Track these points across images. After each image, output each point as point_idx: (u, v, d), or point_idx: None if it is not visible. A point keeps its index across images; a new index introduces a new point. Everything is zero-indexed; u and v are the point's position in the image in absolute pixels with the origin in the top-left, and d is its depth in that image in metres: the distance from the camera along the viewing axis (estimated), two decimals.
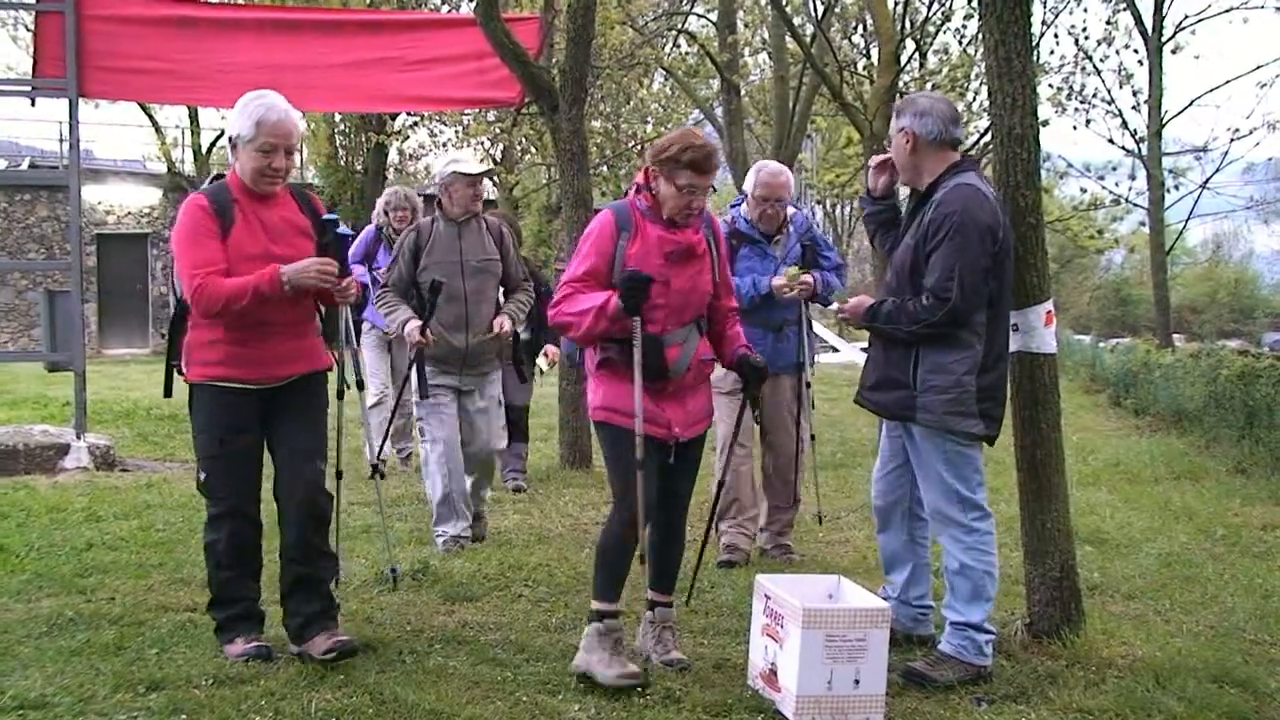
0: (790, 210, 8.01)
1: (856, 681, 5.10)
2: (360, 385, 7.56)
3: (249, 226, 5.51)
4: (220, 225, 5.45)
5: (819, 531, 8.64)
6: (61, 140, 29.14)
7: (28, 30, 28.03)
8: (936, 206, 5.59)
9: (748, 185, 7.95)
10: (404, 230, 8.40)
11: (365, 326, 10.73)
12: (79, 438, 10.81)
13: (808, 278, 7.68)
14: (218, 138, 34.20)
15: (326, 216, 5.74)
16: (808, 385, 8.09)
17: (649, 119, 31.89)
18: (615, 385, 5.50)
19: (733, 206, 8.17)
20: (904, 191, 6.30)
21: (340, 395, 6.31)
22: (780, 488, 8.05)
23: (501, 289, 8.31)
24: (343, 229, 5.73)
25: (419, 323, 7.70)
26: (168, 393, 6.01)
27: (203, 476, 5.62)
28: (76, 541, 7.77)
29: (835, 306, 6.57)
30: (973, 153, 23.91)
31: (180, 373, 5.73)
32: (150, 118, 31.83)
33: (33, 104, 12.57)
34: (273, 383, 5.63)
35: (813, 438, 8.38)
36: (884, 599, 5.72)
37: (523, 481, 10.57)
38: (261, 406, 5.63)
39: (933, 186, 5.72)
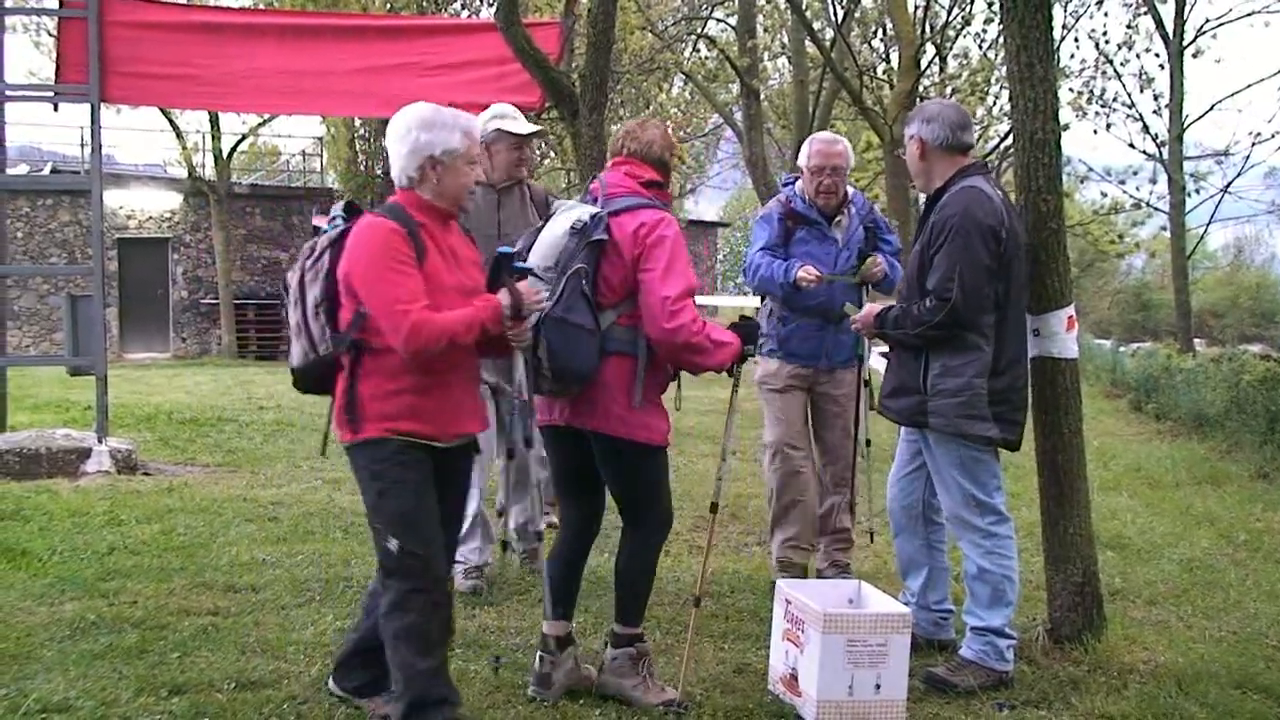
0: (849, 189, 7.28)
1: (878, 687, 5.09)
2: (529, 443, 6.17)
3: (440, 255, 4.71)
4: (415, 254, 4.60)
5: None
6: (83, 145, 29.27)
7: (50, 36, 28.16)
8: (940, 210, 5.62)
9: (801, 160, 7.25)
10: None
11: None
12: (101, 442, 10.84)
13: (880, 261, 6.95)
14: (239, 142, 34.32)
15: (502, 250, 4.94)
16: (866, 383, 7.31)
17: (668, 123, 31.91)
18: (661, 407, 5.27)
19: (785, 185, 7.44)
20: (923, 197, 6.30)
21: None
22: (836, 497, 7.33)
23: None
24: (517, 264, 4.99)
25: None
26: (324, 451, 6.26)
27: (393, 545, 4.56)
28: (98, 545, 7.80)
29: (849, 320, 6.33)
30: (993, 157, 23.98)
31: (351, 426, 4.64)
32: (171, 123, 31.94)
33: (55, 109, 12.65)
34: (450, 441, 4.76)
35: (869, 443, 7.41)
36: (905, 604, 5.72)
37: (554, 514, 8.12)
38: (432, 468, 4.73)
39: (940, 191, 5.73)
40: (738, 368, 5.33)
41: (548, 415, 5.30)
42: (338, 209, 4.89)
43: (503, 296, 4.74)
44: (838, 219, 7.15)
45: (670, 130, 5.94)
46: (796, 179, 7.33)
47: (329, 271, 4.67)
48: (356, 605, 6.47)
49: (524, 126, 7.00)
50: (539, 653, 5.31)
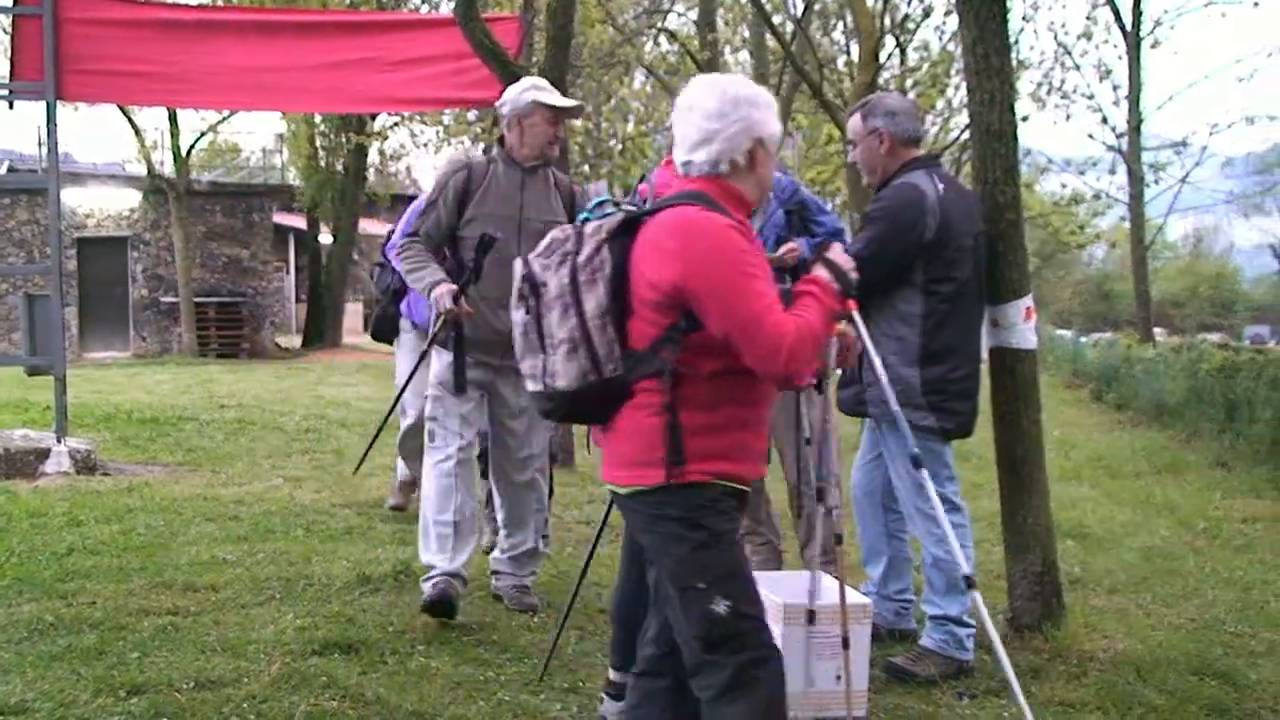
0: (780, 175, 6.68)
1: (839, 677, 5.10)
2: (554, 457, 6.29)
3: None
4: None
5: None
6: (40, 143, 29.10)
7: (5, 33, 27.97)
8: (877, 202, 5.73)
9: None
10: (444, 167, 6.53)
11: (404, 325, 8.66)
12: (59, 442, 10.77)
13: (796, 246, 6.39)
14: (198, 139, 34.18)
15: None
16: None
17: (630, 117, 31.90)
18: None
19: None
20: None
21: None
22: (811, 506, 6.67)
23: None
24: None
25: (453, 287, 6.07)
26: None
27: (723, 608, 3.70)
28: (57, 546, 7.74)
29: None
30: (954, 149, 24.07)
31: (670, 467, 3.72)
32: (130, 120, 31.72)
33: (10, 107, 12.51)
34: (748, 486, 3.99)
35: (809, 441, 6.74)
36: (866, 594, 5.73)
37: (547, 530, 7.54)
38: None
39: (885, 183, 5.79)
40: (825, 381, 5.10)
41: None
42: (602, 194, 4.34)
43: (821, 270, 3.95)
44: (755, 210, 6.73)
45: None
46: None
47: (615, 272, 3.78)
48: (317, 603, 6.47)
49: (563, 100, 6.38)
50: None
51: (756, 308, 3.61)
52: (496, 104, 6.34)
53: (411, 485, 8.85)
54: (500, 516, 6.79)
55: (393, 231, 8.81)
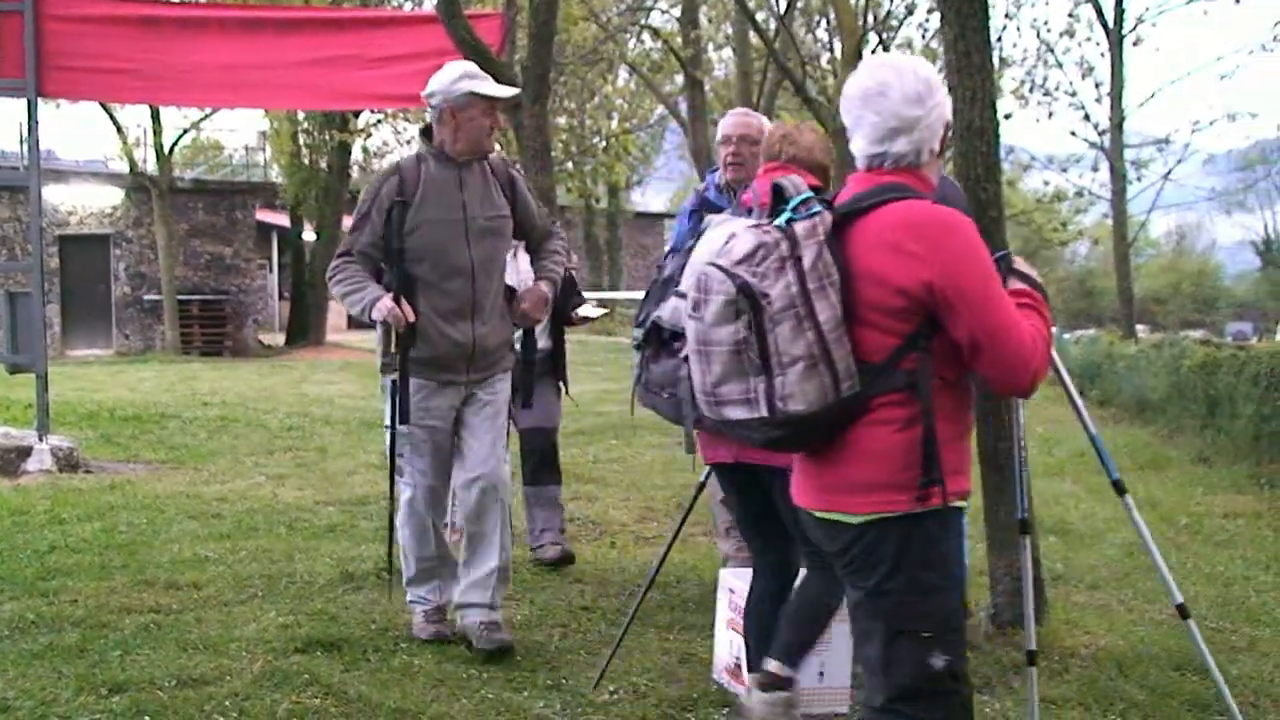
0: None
1: (821, 674, 5.11)
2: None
3: None
4: None
5: None
6: (22, 141, 28.97)
7: None
8: None
9: (717, 137, 6.44)
10: (374, 177, 6.00)
11: None
12: (41, 440, 10.74)
13: None
14: (180, 137, 34.11)
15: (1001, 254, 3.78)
16: None
17: (614, 114, 31.91)
18: None
19: (709, 172, 6.50)
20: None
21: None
22: None
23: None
24: None
25: (388, 295, 5.50)
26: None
27: (940, 663, 3.36)
28: (39, 544, 7.72)
29: None
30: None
31: (923, 489, 3.31)
32: (112, 118, 31.63)
33: None
34: None
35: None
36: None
37: (565, 543, 7.61)
38: None
39: None
40: None
41: (714, 453, 4.73)
42: (799, 183, 3.54)
43: (1019, 283, 3.64)
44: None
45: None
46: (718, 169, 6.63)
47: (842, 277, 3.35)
48: (300, 601, 6.46)
49: (500, 88, 5.76)
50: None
51: (1006, 314, 3.32)
52: (423, 93, 5.68)
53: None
54: (462, 529, 6.06)
55: None
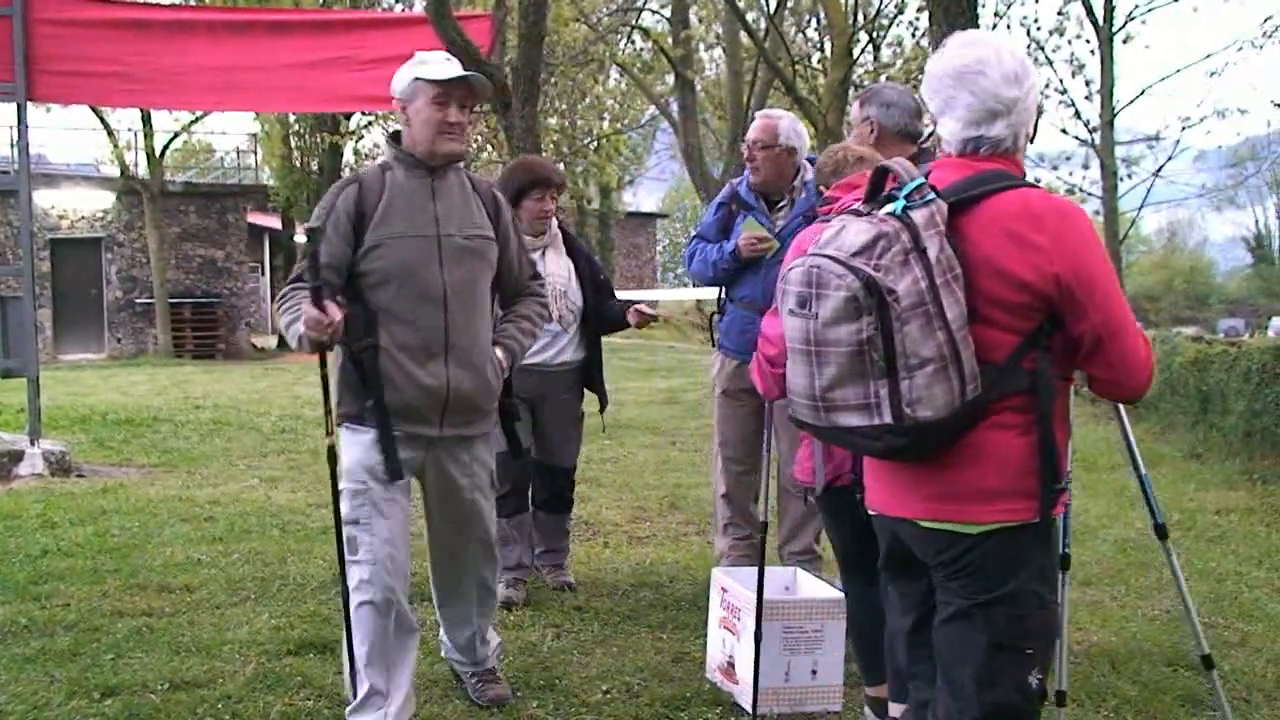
0: (810, 173, 6.31)
1: (814, 672, 5.12)
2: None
3: None
4: None
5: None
6: (12, 145, 28.94)
7: None
8: None
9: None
10: (333, 189, 4.80)
11: None
12: (33, 444, 10.73)
13: (764, 233, 6.27)
14: (171, 140, 34.08)
15: None
16: None
17: (605, 115, 31.92)
18: None
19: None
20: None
21: None
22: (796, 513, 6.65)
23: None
24: None
25: (317, 310, 4.28)
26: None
27: (1035, 682, 3.23)
28: (31, 548, 7.71)
29: None
30: (927, 145, 24.07)
31: (1039, 499, 3.16)
32: (103, 121, 31.61)
33: None
34: None
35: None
36: (840, 590, 5.74)
37: (568, 573, 7.09)
38: None
39: None
40: None
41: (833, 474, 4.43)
42: (910, 168, 3.24)
43: None
44: (781, 204, 6.43)
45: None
46: None
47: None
48: (292, 603, 6.46)
49: (451, 69, 4.65)
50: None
51: (1126, 311, 3.16)
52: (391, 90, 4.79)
53: None
54: (439, 613, 5.25)
55: None
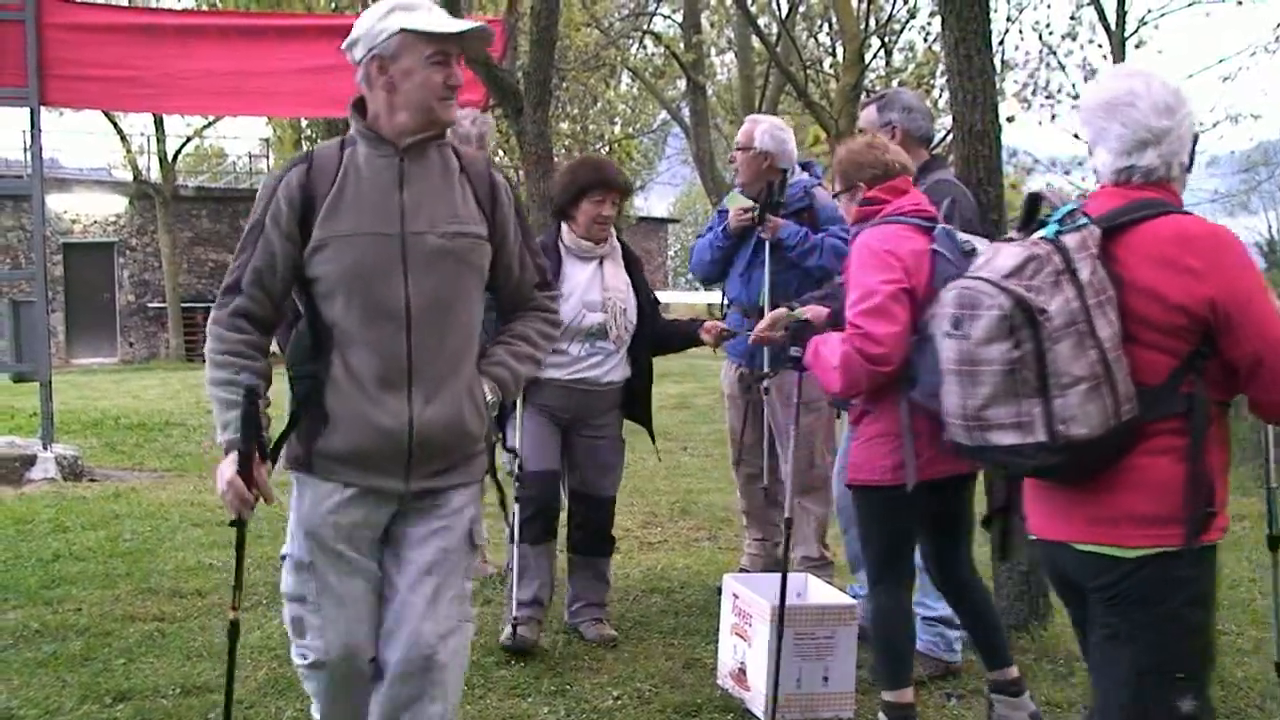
0: (802, 175, 6.70)
1: (825, 679, 5.11)
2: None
3: None
4: None
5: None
6: (25, 149, 29.01)
7: None
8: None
9: None
10: (276, 172, 3.74)
11: None
12: (46, 448, 10.75)
13: (747, 204, 6.46)
14: (184, 144, 34.15)
15: None
16: (765, 388, 6.60)
17: (616, 120, 31.93)
18: None
19: None
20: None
21: None
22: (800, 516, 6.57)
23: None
24: None
25: (236, 455, 3.63)
26: None
27: (1189, 707, 3.19)
28: (43, 553, 7.73)
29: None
30: (939, 149, 24.09)
31: (1196, 522, 3.16)
32: (115, 125, 31.68)
33: None
34: None
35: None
36: (852, 597, 5.72)
37: (608, 623, 6.22)
38: None
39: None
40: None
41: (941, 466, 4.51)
42: (1061, 193, 3.41)
43: None
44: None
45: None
46: None
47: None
48: None
49: (450, 23, 3.62)
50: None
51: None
52: (342, 47, 3.71)
53: None
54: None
55: None
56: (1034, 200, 3.33)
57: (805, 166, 6.87)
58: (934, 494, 4.56)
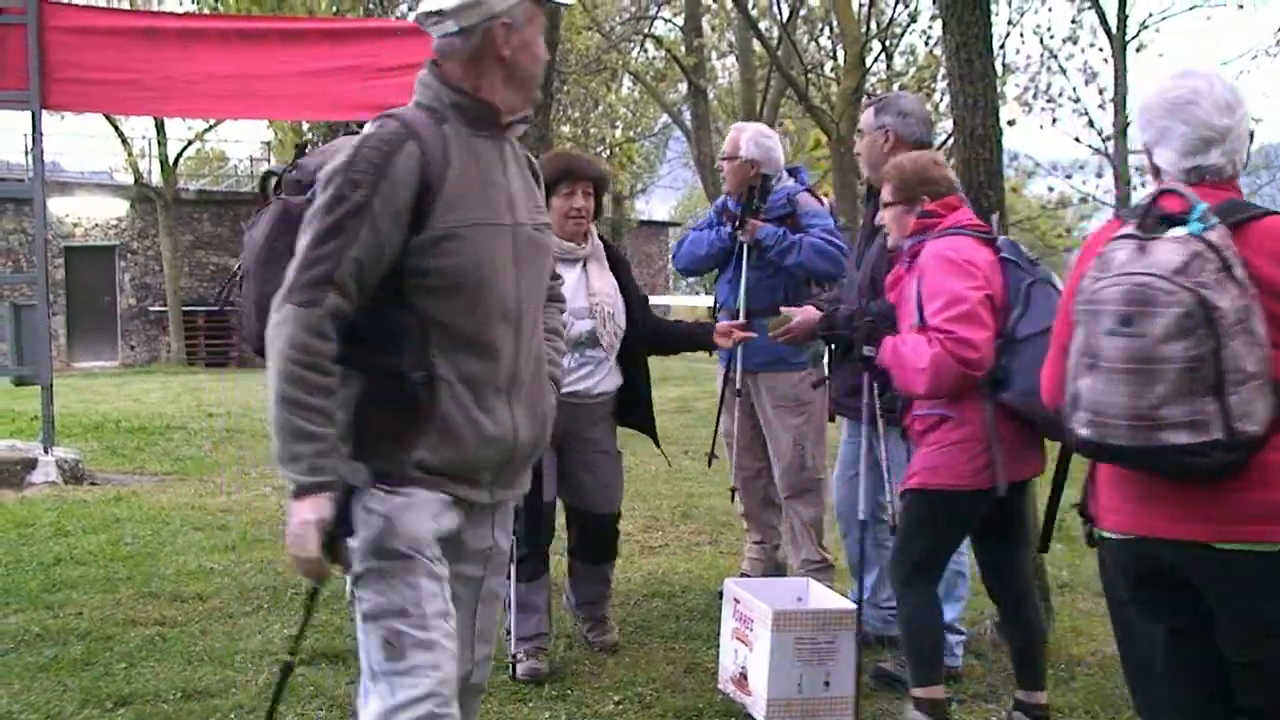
0: (789, 181, 6.77)
1: (827, 683, 5.09)
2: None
3: None
4: None
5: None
6: (26, 152, 29.04)
7: None
8: None
9: None
10: (368, 141, 3.21)
11: None
12: (47, 452, 10.74)
13: (754, 224, 6.50)
14: (185, 148, 34.15)
15: None
16: (738, 390, 6.74)
17: (618, 123, 31.95)
18: None
19: None
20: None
21: None
22: (794, 518, 6.76)
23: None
24: None
25: (329, 511, 3.16)
26: None
27: None
28: (44, 557, 7.72)
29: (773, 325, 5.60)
30: (942, 153, 24.08)
31: None
32: (116, 129, 31.71)
33: None
34: None
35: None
36: (853, 601, 5.72)
37: (611, 628, 6.17)
38: None
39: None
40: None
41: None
42: (1193, 193, 3.24)
43: None
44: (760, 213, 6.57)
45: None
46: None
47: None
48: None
49: None
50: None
51: None
52: (429, 9, 3.25)
53: None
54: None
55: None
56: (1158, 196, 3.28)
57: (792, 172, 6.95)
58: (999, 499, 4.63)
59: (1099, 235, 3.45)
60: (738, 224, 6.55)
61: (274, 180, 3.64)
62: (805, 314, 5.57)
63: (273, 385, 3.10)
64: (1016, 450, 4.55)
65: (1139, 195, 29.83)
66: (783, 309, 5.63)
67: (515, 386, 3.29)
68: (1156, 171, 3.41)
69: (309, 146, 3.63)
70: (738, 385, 6.60)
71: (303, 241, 3.11)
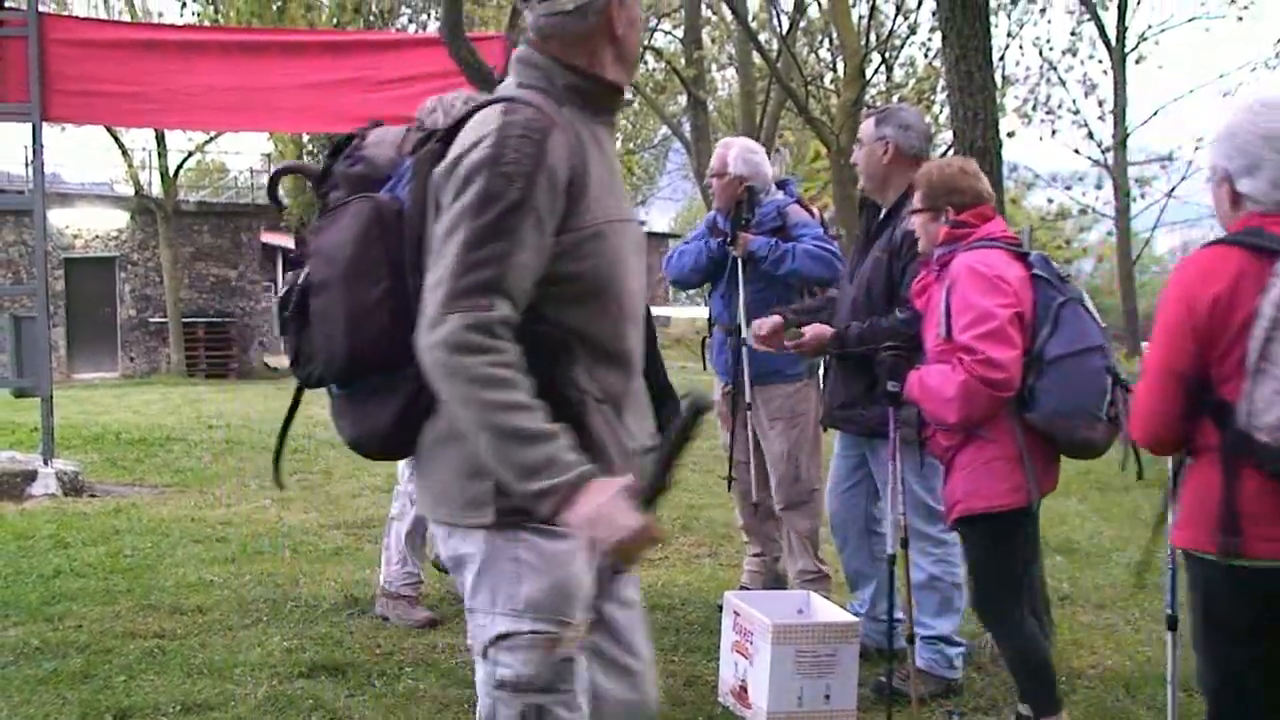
0: (778, 195, 6.81)
1: (827, 697, 5.10)
2: None
3: None
4: None
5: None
6: (27, 164, 29.06)
7: None
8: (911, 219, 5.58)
9: None
10: (509, 128, 2.72)
11: None
12: (47, 464, 10.73)
13: (746, 238, 6.54)
14: (185, 159, 34.21)
15: None
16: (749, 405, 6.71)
17: (617, 135, 31.88)
18: None
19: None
20: None
21: None
22: (791, 531, 6.75)
23: None
24: None
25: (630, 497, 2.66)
26: None
27: None
28: (44, 569, 7.71)
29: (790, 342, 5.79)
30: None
31: None
32: (117, 140, 31.74)
33: None
34: None
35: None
36: (853, 614, 5.72)
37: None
38: None
39: (899, 202, 5.70)
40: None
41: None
42: None
43: None
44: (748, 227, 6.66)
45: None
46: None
47: None
48: (304, 625, 6.45)
49: None
50: None
51: None
52: None
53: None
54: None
55: None
56: (1263, 223, 3.39)
57: (781, 185, 6.99)
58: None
59: (1221, 261, 3.44)
60: (729, 239, 6.58)
61: (328, 177, 3.15)
62: (816, 330, 5.60)
63: (469, 408, 2.65)
64: (1043, 465, 4.58)
65: (1138, 206, 29.95)
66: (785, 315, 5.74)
67: (638, 396, 3.04)
68: (1236, 199, 3.47)
69: (355, 139, 3.14)
70: (748, 400, 6.61)
71: (451, 246, 2.68)
